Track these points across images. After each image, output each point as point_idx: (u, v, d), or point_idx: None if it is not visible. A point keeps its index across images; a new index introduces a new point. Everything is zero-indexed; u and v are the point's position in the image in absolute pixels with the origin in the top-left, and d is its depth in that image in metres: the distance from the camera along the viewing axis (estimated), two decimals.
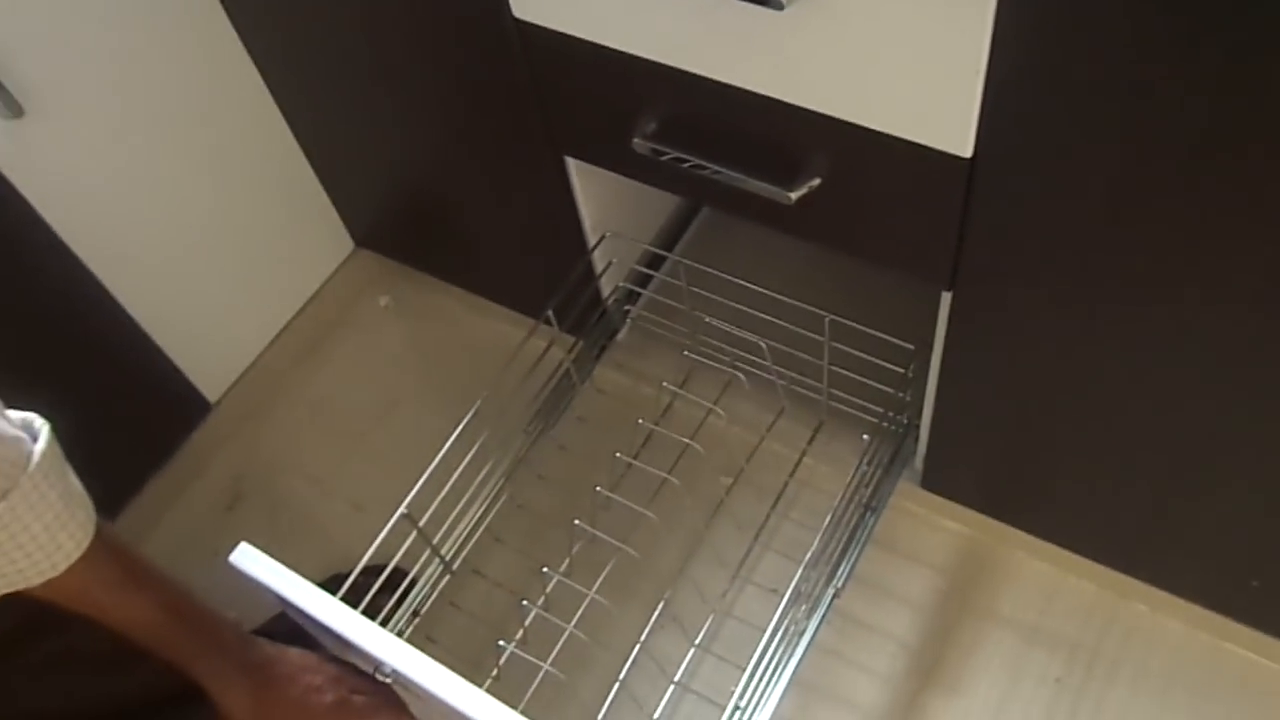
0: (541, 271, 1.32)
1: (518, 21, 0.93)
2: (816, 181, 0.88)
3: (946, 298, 0.92)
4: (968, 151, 0.76)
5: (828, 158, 0.86)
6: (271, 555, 0.83)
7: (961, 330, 0.94)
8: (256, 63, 1.27)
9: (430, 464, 1.09)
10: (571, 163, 1.09)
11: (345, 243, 1.55)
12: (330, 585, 0.88)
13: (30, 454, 0.65)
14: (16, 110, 1.02)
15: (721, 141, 0.91)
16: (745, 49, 0.80)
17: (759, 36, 0.78)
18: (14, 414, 0.68)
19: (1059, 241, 0.79)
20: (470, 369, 1.50)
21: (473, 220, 1.34)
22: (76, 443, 1.18)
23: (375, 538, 1.04)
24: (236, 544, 0.84)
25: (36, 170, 1.08)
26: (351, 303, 1.57)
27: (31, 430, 0.68)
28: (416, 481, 1.08)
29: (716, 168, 0.91)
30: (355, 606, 0.82)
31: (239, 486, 1.43)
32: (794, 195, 0.88)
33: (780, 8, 0.72)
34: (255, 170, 1.34)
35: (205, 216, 1.31)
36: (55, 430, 0.69)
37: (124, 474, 1.35)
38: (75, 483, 0.70)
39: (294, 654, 0.82)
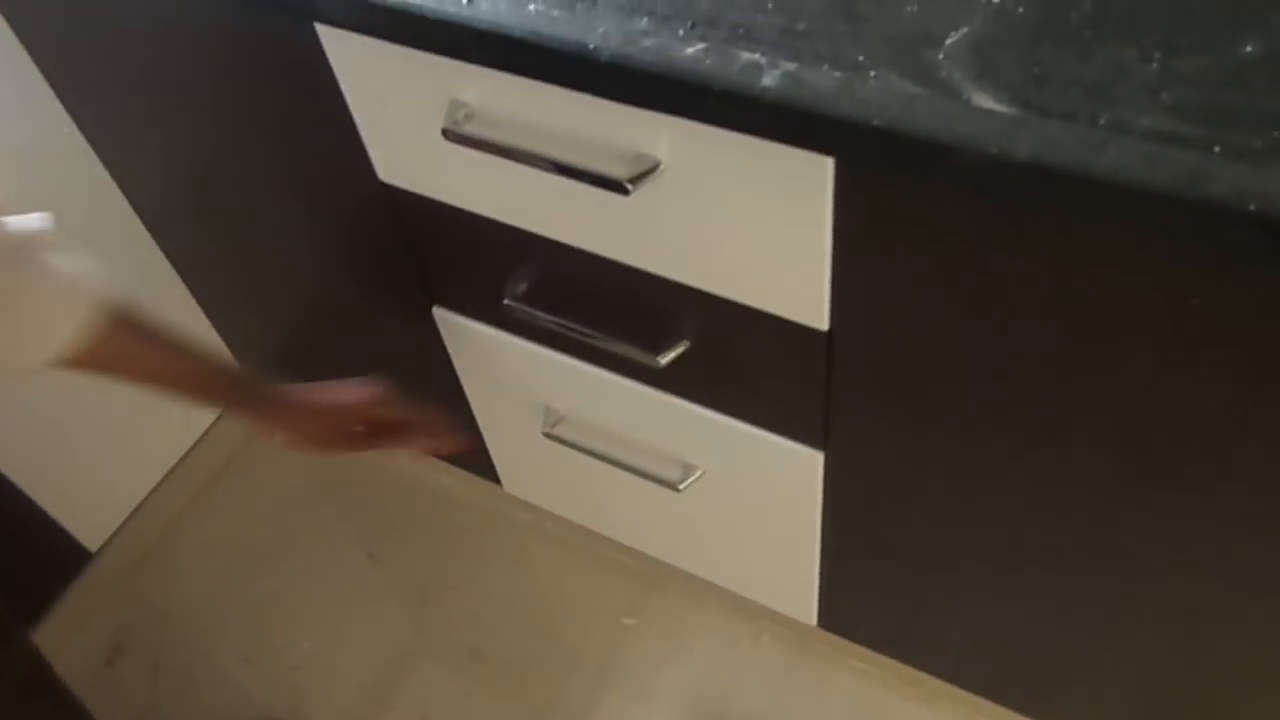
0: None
1: (385, 185, 0.92)
2: (684, 346, 0.88)
3: (816, 455, 0.91)
4: (824, 324, 0.76)
5: (693, 323, 0.86)
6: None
7: (837, 485, 0.94)
8: (136, 207, 1.25)
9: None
10: (443, 315, 1.08)
11: None
12: None
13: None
14: None
15: (591, 303, 0.90)
16: (603, 221, 0.80)
17: (614, 212, 0.78)
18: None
19: (921, 405, 0.79)
20: (371, 508, 1.47)
21: (358, 362, 1.31)
22: None
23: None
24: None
25: None
26: (245, 439, 1.53)
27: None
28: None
29: (587, 331, 0.90)
30: None
31: (120, 639, 1.37)
32: (663, 360, 0.88)
33: (626, 193, 0.72)
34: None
35: None
36: None
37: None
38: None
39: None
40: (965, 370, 0.74)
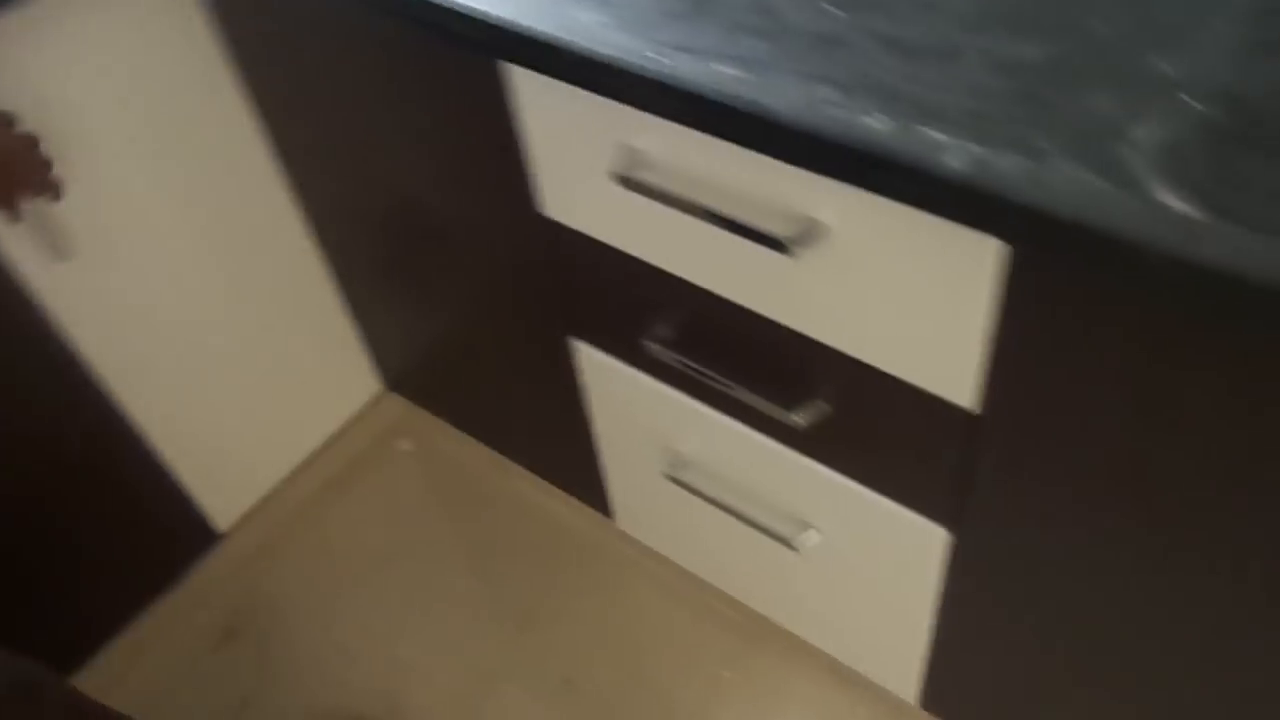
0: (554, 443, 1.32)
1: (545, 218, 0.95)
2: (822, 407, 0.88)
3: (942, 534, 0.90)
4: (973, 404, 0.76)
5: (834, 386, 0.86)
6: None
7: (960, 566, 0.92)
8: (304, 215, 1.31)
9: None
10: (580, 347, 1.10)
11: (373, 384, 1.57)
12: None
13: None
14: (68, 252, 1.06)
15: (733, 354, 0.91)
16: (759, 278, 0.81)
17: (773, 271, 0.78)
18: None
19: (1066, 497, 0.77)
20: (484, 526, 1.50)
21: (495, 382, 1.35)
22: (76, 562, 1.19)
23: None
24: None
25: (79, 305, 1.12)
26: (374, 444, 1.58)
27: None
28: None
29: (727, 382, 0.91)
30: None
31: (232, 622, 1.42)
32: (800, 419, 0.88)
33: (789, 254, 0.72)
34: (291, 310, 1.38)
35: (238, 349, 1.33)
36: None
37: (121, 598, 1.35)
38: None
39: None
40: (1120, 469, 0.72)
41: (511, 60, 0.79)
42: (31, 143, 0.98)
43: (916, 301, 0.71)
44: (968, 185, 0.57)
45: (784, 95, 0.64)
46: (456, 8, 0.77)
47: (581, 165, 0.85)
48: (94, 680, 1.32)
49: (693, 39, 0.70)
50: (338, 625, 1.40)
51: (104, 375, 1.18)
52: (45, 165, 0.99)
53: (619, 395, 1.11)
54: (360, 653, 1.37)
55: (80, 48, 1.02)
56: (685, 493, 1.11)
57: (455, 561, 1.46)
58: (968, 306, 0.68)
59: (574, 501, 1.43)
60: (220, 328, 1.30)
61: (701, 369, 0.93)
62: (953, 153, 0.59)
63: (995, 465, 0.80)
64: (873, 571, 1.02)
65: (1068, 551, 0.82)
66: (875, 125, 0.61)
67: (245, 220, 1.26)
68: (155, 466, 1.29)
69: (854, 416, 0.87)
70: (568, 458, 1.33)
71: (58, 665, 1.30)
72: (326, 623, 1.41)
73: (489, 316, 1.21)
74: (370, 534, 1.50)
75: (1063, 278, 0.63)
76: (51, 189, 1.00)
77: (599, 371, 1.10)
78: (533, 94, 0.84)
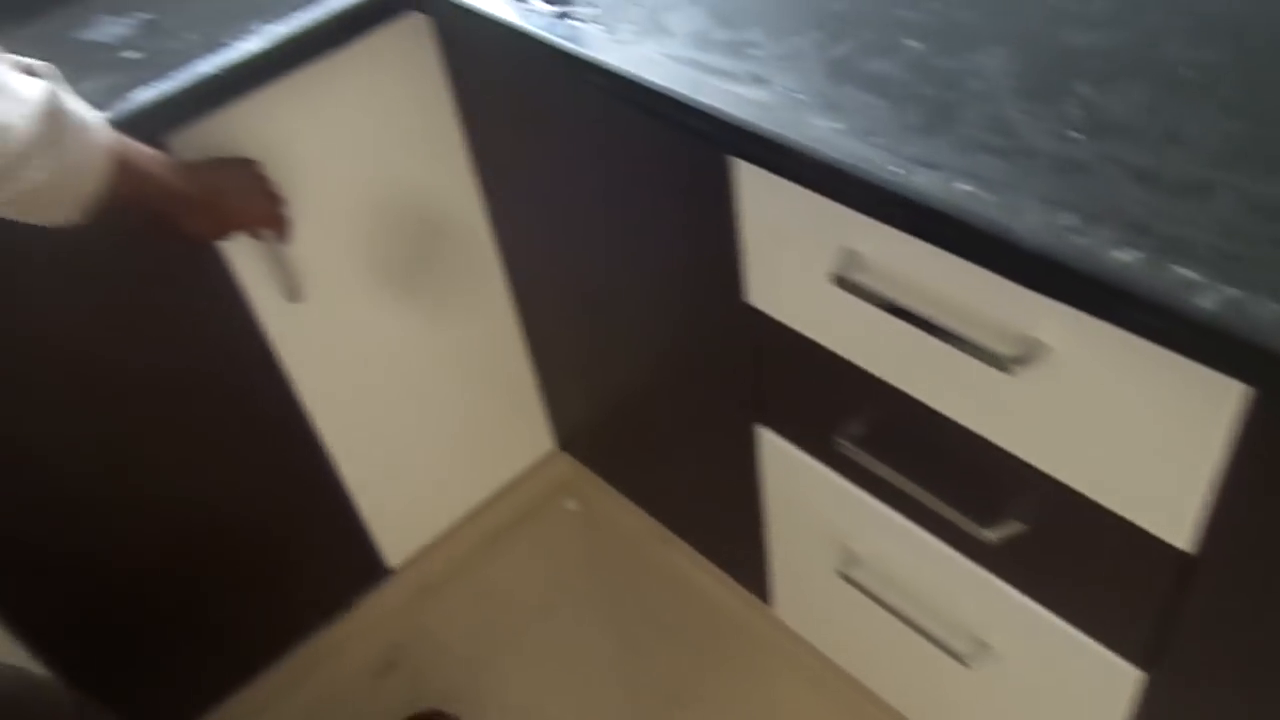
0: (722, 524, 1.33)
1: (750, 307, 0.97)
2: (1019, 527, 0.86)
3: (1135, 673, 0.86)
4: (1189, 545, 0.73)
5: (1033, 507, 0.84)
6: None
7: (1152, 711, 0.87)
8: (509, 277, 1.38)
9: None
10: (765, 435, 1.11)
11: (546, 442, 1.62)
12: None
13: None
14: (299, 295, 1.14)
15: (927, 461, 0.90)
16: (970, 391, 0.80)
17: (985, 386, 0.78)
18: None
19: (1277, 649, 0.73)
20: (639, 594, 1.51)
21: (669, 456, 1.37)
22: (255, 581, 1.26)
23: None
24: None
25: (301, 344, 1.20)
26: (541, 500, 1.62)
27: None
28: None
29: (918, 488, 0.90)
30: None
31: (393, 655, 1.48)
32: (994, 536, 0.86)
33: (1009, 372, 0.72)
34: (482, 363, 1.44)
35: (429, 396, 1.40)
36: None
37: (293, 620, 1.42)
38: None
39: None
40: None
41: (747, 159, 0.82)
42: (270, 184, 1.07)
43: (1140, 434, 0.70)
44: (1219, 327, 0.56)
45: (1025, 218, 0.64)
46: (701, 107, 0.80)
47: (796, 261, 0.87)
48: (260, 696, 1.39)
49: (931, 153, 0.72)
50: (491, 672, 1.44)
51: (312, 410, 1.26)
52: (281, 203, 1.08)
53: (798, 486, 1.11)
54: (509, 702, 1.40)
55: (328, 106, 1.10)
56: (853, 593, 1.10)
57: (608, 626, 1.48)
58: (1198, 445, 0.66)
59: (730, 582, 1.43)
60: (416, 375, 1.37)
61: (895, 472, 0.92)
62: (1205, 293, 0.57)
63: (1205, 610, 0.76)
64: (1049, 701, 0.98)
65: (1274, 710, 0.77)
66: (1123, 259, 0.60)
67: (454, 277, 1.34)
68: (344, 499, 1.36)
69: (1051, 540, 0.85)
70: (733, 540, 1.33)
71: (229, 680, 1.38)
72: (480, 668, 1.44)
73: (675, 393, 1.23)
74: (529, 587, 1.54)
75: None
76: (285, 227, 1.09)
77: (781, 460, 1.11)
78: (756, 190, 0.87)
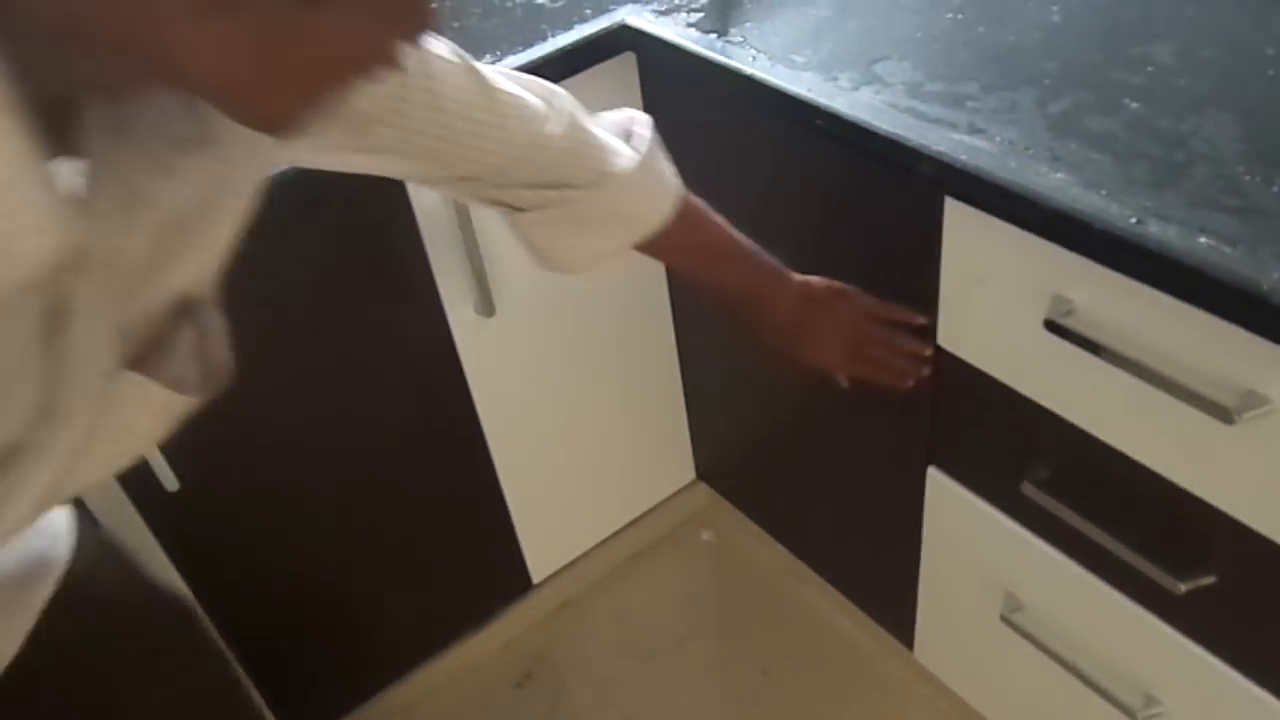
0: (869, 563, 1.35)
1: (939, 348, 1.00)
2: (1211, 579, 0.87)
3: None
4: None
5: (1232, 563, 0.85)
6: None
7: None
8: (674, 309, 1.43)
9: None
10: (936, 477, 1.13)
11: (688, 471, 1.65)
12: None
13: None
14: (490, 310, 1.20)
15: (1115, 510, 0.92)
16: (1178, 442, 0.82)
17: (1196, 435, 0.80)
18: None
19: None
20: (772, 629, 1.53)
21: (821, 493, 1.40)
22: (412, 584, 1.30)
23: None
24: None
25: (483, 357, 1.27)
26: (678, 528, 1.66)
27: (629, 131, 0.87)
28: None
29: (1107, 536, 0.92)
30: None
31: (531, 667, 1.52)
32: (1184, 587, 0.87)
33: (1231, 423, 0.74)
34: (638, 390, 1.49)
35: (588, 418, 1.45)
36: None
37: (440, 627, 1.48)
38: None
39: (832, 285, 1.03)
40: None
41: (973, 204, 0.85)
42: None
43: None
44: None
45: (1271, 273, 0.67)
46: (929, 152, 0.85)
47: (999, 306, 0.90)
48: (405, 696, 1.45)
49: (1162, 207, 0.75)
50: (625, 693, 1.47)
51: (485, 421, 1.32)
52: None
53: (964, 530, 1.13)
54: None
55: None
56: (1004, 638, 1.11)
57: (744, 656, 1.50)
58: None
59: (865, 621, 1.45)
60: (578, 394, 1.42)
61: (1080, 519, 0.94)
62: None
63: None
64: None
65: None
66: None
67: (624, 303, 1.39)
68: (503, 512, 1.42)
69: (1242, 594, 0.86)
70: (880, 580, 1.35)
71: (377, 680, 1.44)
72: (615, 687, 1.48)
73: (841, 430, 1.26)
74: (663, 614, 1.57)
75: None
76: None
77: (949, 503, 1.13)
78: (964, 236, 0.90)
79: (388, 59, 0.42)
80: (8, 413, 0.48)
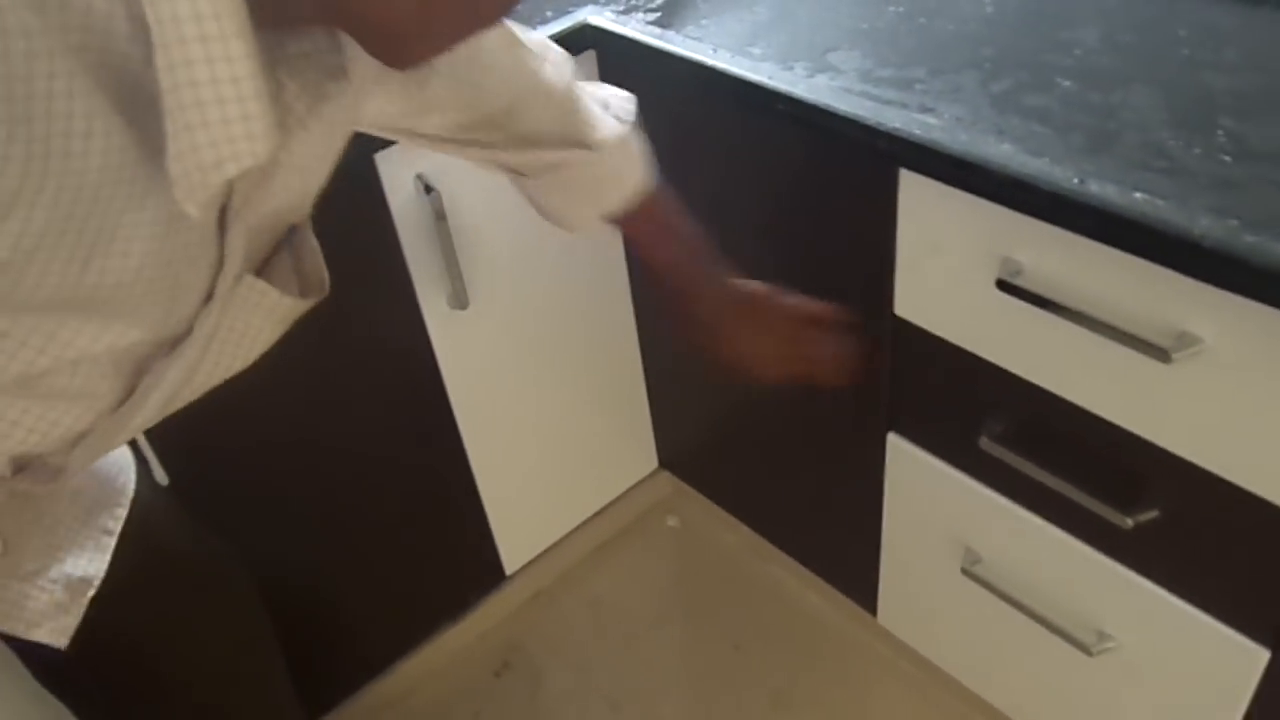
0: (832, 535, 1.41)
1: (896, 317, 1.07)
2: (1154, 514, 0.95)
3: (1262, 653, 0.94)
4: None
5: (1173, 497, 0.93)
6: None
7: (1276, 688, 0.95)
8: (634, 294, 1.49)
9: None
10: (896, 442, 1.20)
11: (651, 460, 1.71)
12: None
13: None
14: (464, 303, 1.25)
15: (1065, 456, 1.00)
16: (1120, 386, 0.90)
17: (1138, 378, 0.88)
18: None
19: None
20: (741, 607, 1.59)
21: (783, 470, 1.46)
22: (390, 579, 1.32)
23: None
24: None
25: (457, 351, 1.30)
26: (643, 516, 1.71)
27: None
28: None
29: (1060, 481, 0.99)
30: None
31: (509, 656, 1.55)
32: (1131, 521, 0.95)
33: (1170, 362, 0.82)
34: (603, 382, 1.54)
35: (555, 411, 1.50)
36: None
37: (419, 621, 1.50)
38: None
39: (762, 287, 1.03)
40: None
41: (929, 175, 0.92)
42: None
43: None
44: None
45: (1200, 221, 0.75)
46: (885, 129, 0.92)
47: (952, 271, 0.98)
48: (387, 691, 1.47)
49: (1100, 170, 0.82)
50: (603, 676, 1.51)
51: (458, 413, 1.36)
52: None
53: (924, 491, 1.20)
54: (622, 705, 1.47)
55: None
56: (964, 592, 1.18)
57: (715, 634, 1.56)
58: None
59: (830, 593, 1.51)
60: (547, 387, 1.47)
61: (1034, 466, 1.01)
62: None
63: None
64: (1167, 688, 1.06)
65: None
66: None
67: (589, 298, 1.44)
68: (477, 505, 1.45)
69: (1184, 525, 0.94)
70: (843, 550, 1.42)
71: (359, 674, 1.46)
72: (592, 672, 1.52)
73: (801, 406, 1.33)
74: (634, 598, 1.62)
75: None
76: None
77: (909, 466, 1.20)
78: (920, 201, 0.97)
79: (511, 6, 0.49)
80: (190, 295, 0.55)
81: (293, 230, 0.65)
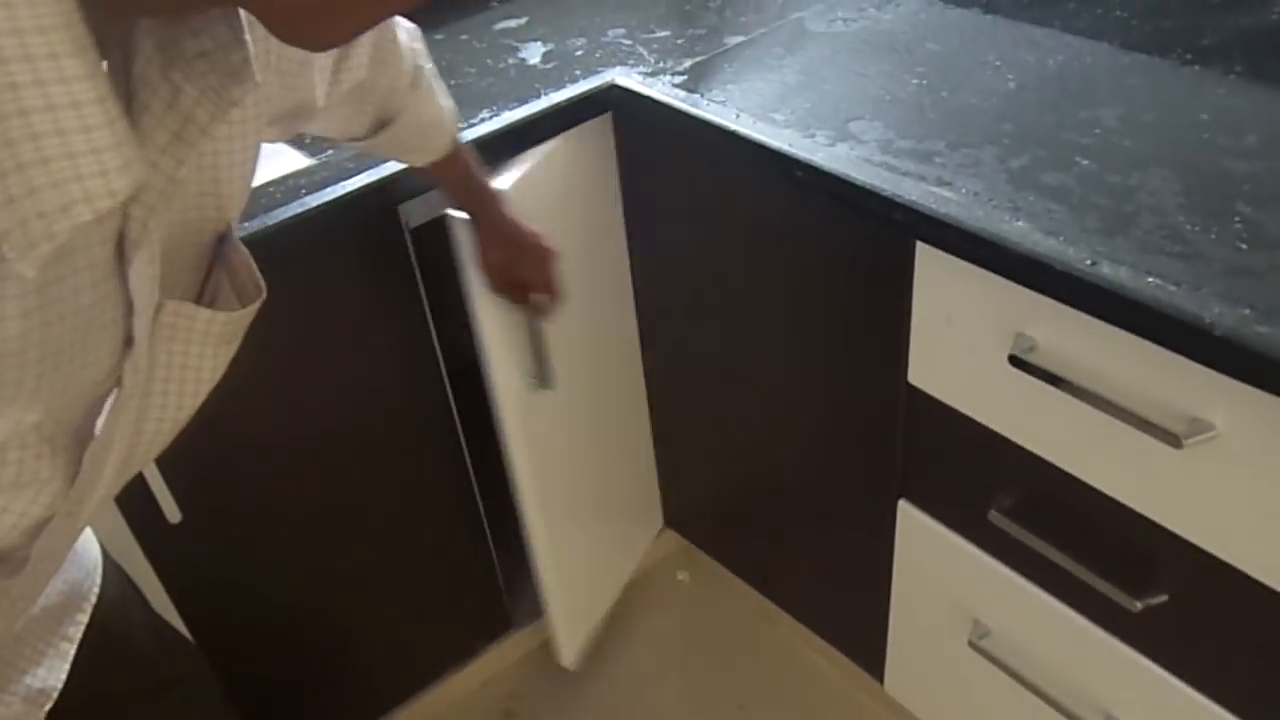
0: (841, 600, 1.40)
1: (910, 386, 1.07)
2: (1163, 598, 0.94)
3: None
4: None
5: (1183, 581, 0.92)
6: None
7: None
8: (646, 358, 1.49)
9: None
10: (907, 510, 1.19)
11: (657, 520, 1.70)
12: None
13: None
14: (550, 383, 1.26)
15: (1075, 534, 0.99)
16: (1131, 468, 0.89)
17: (1149, 462, 0.87)
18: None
19: None
20: (748, 667, 1.57)
21: (792, 534, 1.45)
22: (398, 624, 1.31)
23: None
24: None
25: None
26: (653, 570, 1.70)
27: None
28: None
29: (1069, 559, 0.98)
30: None
31: (510, 705, 1.54)
32: (1139, 604, 0.94)
33: (1181, 448, 0.81)
34: (612, 437, 1.54)
35: (566, 467, 1.50)
36: None
37: (425, 666, 1.50)
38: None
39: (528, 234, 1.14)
40: None
41: (945, 250, 0.93)
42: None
43: None
44: None
45: (1211, 309, 0.75)
46: (903, 201, 0.92)
47: (966, 344, 0.98)
48: None
49: (1114, 252, 0.83)
50: None
51: (473, 468, 1.36)
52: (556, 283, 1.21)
53: (933, 561, 1.19)
54: None
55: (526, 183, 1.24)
56: (971, 665, 1.16)
57: (721, 694, 1.54)
58: None
59: (837, 657, 1.49)
60: (561, 440, 1.47)
61: (1043, 543, 1.00)
62: None
63: None
64: None
65: None
66: None
67: (603, 362, 1.45)
68: (488, 554, 1.46)
69: (1195, 613, 0.92)
70: (852, 616, 1.41)
71: (363, 716, 1.45)
72: None
73: (813, 470, 1.33)
74: (639, 652, 1.61)
75: None
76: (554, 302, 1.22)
77: (918, 536, 1.19)
78: (936, 274, 0.98)
79: None
80: (100, 350, 0.48)
81: (221, 240, 0.58)
